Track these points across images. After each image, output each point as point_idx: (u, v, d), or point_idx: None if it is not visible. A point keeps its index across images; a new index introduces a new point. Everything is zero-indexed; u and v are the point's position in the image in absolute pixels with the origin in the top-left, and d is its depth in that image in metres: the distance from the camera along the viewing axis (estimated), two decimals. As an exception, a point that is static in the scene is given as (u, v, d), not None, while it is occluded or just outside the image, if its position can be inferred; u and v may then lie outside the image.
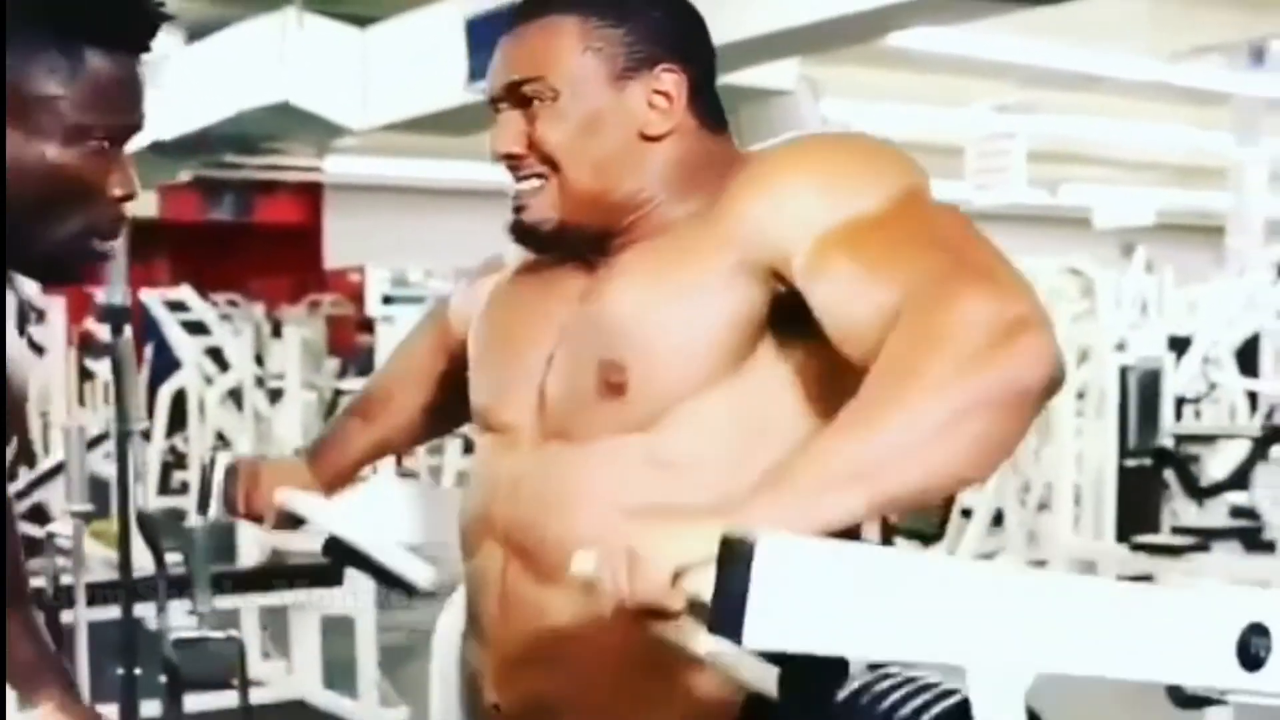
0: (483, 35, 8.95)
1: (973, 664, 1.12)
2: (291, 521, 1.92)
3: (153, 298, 10.30)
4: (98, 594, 3.79)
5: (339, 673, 5.73)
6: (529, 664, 1.57)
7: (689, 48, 1.60)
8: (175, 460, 10.20)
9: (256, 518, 1.93)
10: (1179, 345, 8.73)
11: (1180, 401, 8.56)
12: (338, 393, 11.06)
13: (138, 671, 3.50)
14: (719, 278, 1.49)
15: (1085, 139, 16.20)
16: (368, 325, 13.52)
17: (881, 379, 1.27)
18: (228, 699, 4.20)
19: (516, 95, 1.59)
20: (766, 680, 1.21)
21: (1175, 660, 1.22)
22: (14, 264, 1.42)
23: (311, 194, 19.12)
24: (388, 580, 1.91)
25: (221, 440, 9.44)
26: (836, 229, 1.42)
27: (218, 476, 1.97)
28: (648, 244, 1.57)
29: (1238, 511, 7.98)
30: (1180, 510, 7.44)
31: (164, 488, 10.02)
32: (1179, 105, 14.69)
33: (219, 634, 3.59)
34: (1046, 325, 1.29)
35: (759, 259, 1.48)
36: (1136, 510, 7.29)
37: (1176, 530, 6.49)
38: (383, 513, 2.00)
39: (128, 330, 3.35)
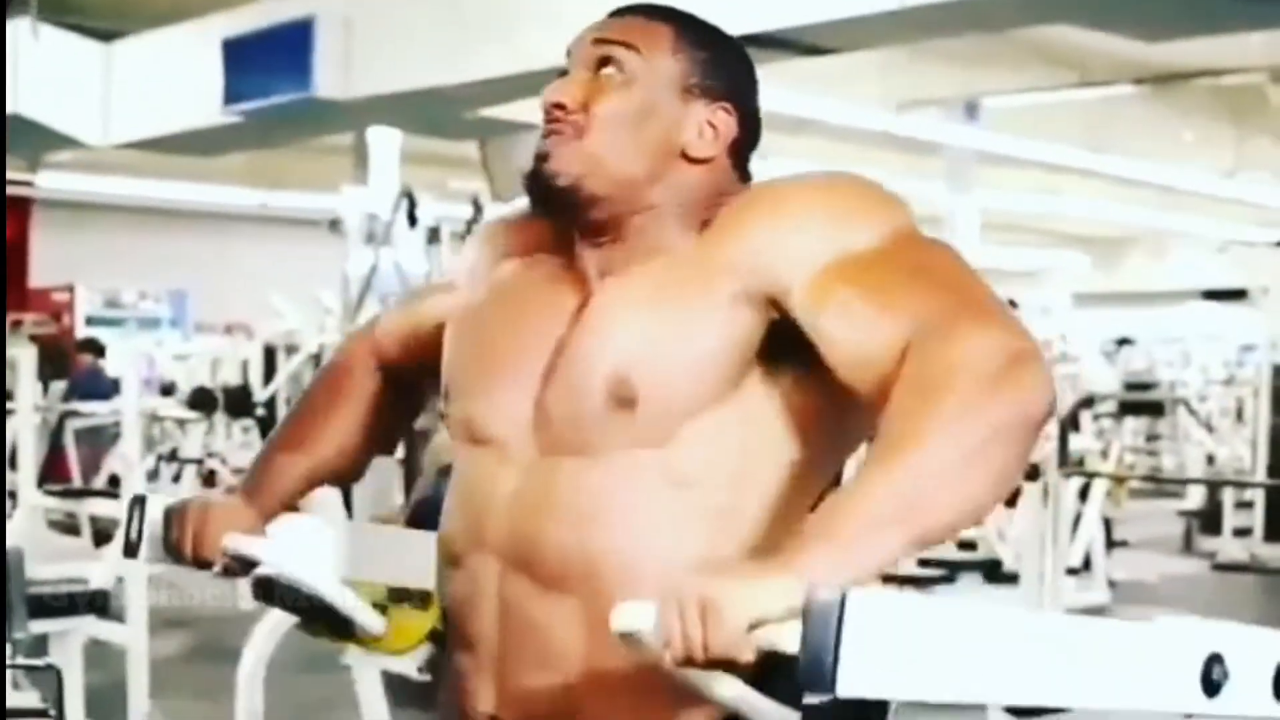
0: (240, 57, 8.87)
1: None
2: (241, 566, 1.82)
3: None
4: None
5: (108, 702, 5.60)
6: (534, 673, 1.59)
7: (749, 104, 1.69)
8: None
9: (204, 563, 1.83)
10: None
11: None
12: (64, 415, 10.74)
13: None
14: (719, 304, 1.55)
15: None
16: (89, 345, 13.10)
17: (904, 419, 1.36)
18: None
19: (594, 56, 1.66)
20: None
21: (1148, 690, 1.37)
22: None
23: (19, 209, 18.44)
24: (333, 624, 1.86)
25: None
26: (838, 262, 1.50)
27: (151, 517, 1.88)
28: (644, 267, 1.62)
29: (962, 544, 8.39)
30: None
31: None
32: (896, 153, 15.30)
33: (36, 662, 3.50)
34: (1042, 357, 1.41)
35: (758, 288, 1.54)
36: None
37: (923, 563, 6.80)
38: (322, 552, 1.90)
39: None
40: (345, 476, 1.99)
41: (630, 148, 1.63)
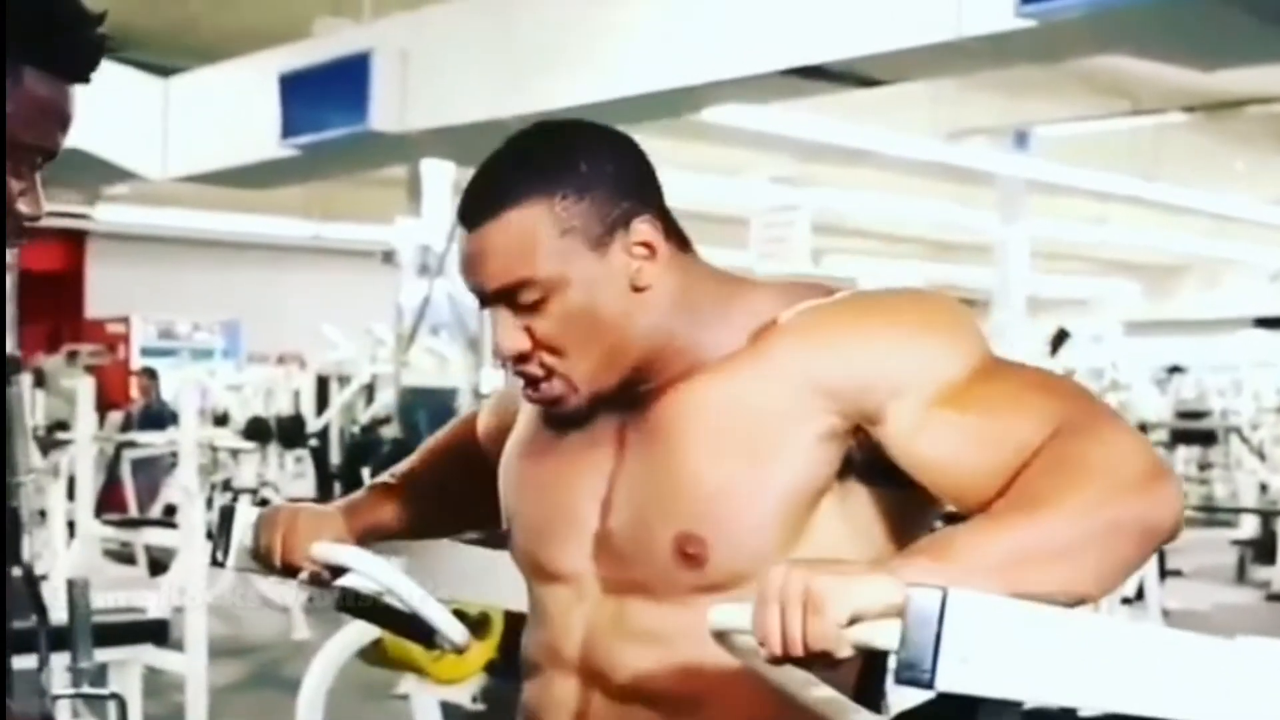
0: (297, 91, 8.95)
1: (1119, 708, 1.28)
2: (330, 574, 1.83)
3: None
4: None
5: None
6: None
7: (645, 188, 1.60)
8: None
9: (291, 570, 1.82)
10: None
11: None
12: (121, 445, 10.82)
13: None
14: (800, 448, 1.51)
15: (853, 212, 16.73)
16: (149, 373, 13.22)
17: (1034, 486, 1.37)
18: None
19: (508, 298, 1.56)
20: None
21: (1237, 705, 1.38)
22: None
23: (75, 241, 18.65)
24: (416, 635, 1.90)
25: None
26: (940, 387, 1.48)
27: (241, 523, 1.90)
28: (694, 393, 1.58)
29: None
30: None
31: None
32: (945, 183, 15.31)
33: (102, 691, 3.53)
34: (1176, 477, 1.43)
35: (842, 424, 1.51)
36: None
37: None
38: (421, 570, 1.94)
39: (27, 379, 3.30)
40: (429, 536, 2.04)
41: (599, 336, 1.56)
